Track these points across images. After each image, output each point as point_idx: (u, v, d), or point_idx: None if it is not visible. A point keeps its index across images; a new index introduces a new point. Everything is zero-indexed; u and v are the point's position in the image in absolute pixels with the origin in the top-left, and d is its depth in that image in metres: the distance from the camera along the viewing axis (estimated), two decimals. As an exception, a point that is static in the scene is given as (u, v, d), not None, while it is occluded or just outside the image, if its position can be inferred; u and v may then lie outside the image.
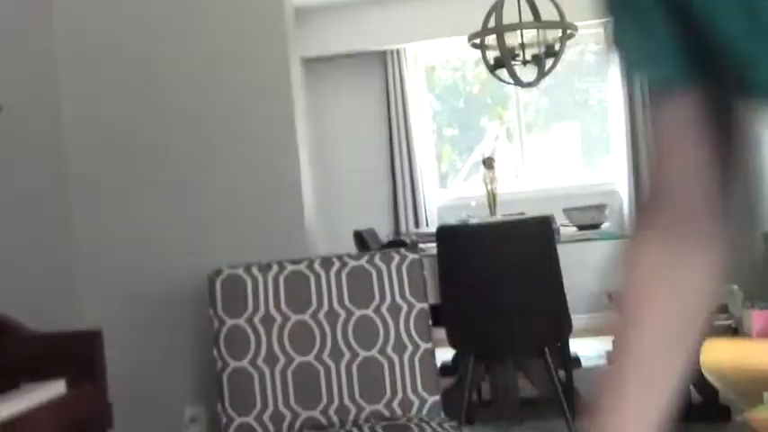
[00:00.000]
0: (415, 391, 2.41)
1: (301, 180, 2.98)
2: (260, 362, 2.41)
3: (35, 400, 1.94)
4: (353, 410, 2.39)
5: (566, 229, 4.15)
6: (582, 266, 3.25)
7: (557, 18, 4.36)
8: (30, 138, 2.80)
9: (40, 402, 1.96)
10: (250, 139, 2.98)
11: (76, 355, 2.24)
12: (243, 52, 2.98)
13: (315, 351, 2.43)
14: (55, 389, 2.06)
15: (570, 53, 6.50)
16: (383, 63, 6.50)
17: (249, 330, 2.43)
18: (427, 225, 6.34)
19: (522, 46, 4.51)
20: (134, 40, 3.01)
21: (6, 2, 2.72)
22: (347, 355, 2.43)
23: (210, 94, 3.00)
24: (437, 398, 2.42)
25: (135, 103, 3.02)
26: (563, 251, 3.17)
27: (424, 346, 2.46)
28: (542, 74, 4.56)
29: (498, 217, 4.38)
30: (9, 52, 2.71)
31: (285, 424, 2.37)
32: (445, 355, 4.97)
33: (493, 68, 4.53)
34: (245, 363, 2.41)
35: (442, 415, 2.42)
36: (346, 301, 2.48)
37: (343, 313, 2.46)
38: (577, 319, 3.35)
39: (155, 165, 3.01)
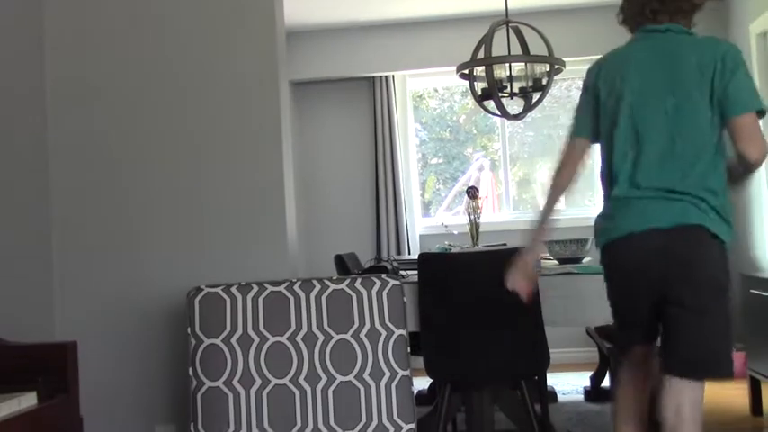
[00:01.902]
0: (390, 418, 2.40)
1: (285, 202, 2.98)
2: (235, 382, 2.39)
3: (5, 411, 1.92)
4: (328, 435, 2.37)
5: (546, 262, 4.16)
6: (561, 300, 3.25)
7: (545, 53, 4.41)
8: (13, 150, 2.78)
9: (11, 414, 1.94)
10: (236, 159, 2.98)
11: (50, 367, 2.22)
12: (233, 73, 2.99)
13: (291, 374, 2.41)
14: (27, 401, 2.04)
15: (557, 89, 6.57)
16: (371, 90, 6.53)
17: (226, 350, 2.42)
18: (409, 252, 6.35)
19: (510, 79, 4.55)
20: (124, 58, 3.01)
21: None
22: (324, 379, 2.41)
23: (199, 114, 3.00)
24: (413, 426, 2.41)
25: (122, 120, 3.01)
26: (543, 283, 3.17)
27: (401, 373, 2.45)
28: (529, 107, 4.60)
29: (480, 247, 4.39)
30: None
31: (258, 446, 2.35)
32: (421, 384, 4.96)
33: (480, 99, 4.57)
34: (219, 383, 2.39)
35: (417, 443, 2.40)
36: (325, 325, 2.47)
37: (321, 336, 2.45)
38: (555, 353, 3.35)
39: (139, 182, 3.00)
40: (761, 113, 2.25)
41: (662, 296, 2.27)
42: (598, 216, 2.48)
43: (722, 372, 2.24)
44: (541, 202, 2.67)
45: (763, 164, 2.24)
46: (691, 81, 2.25)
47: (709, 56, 2.25)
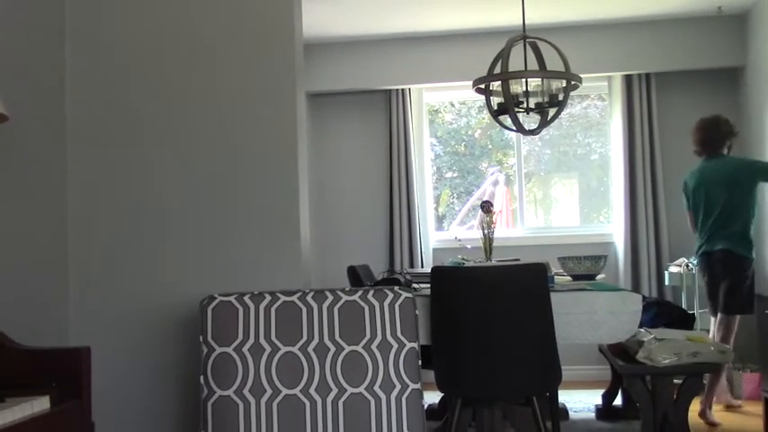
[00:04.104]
0: (400, 431, 2.39)
1: (300, 212, 2.99)
2: (246, 392, 2.39)
3: (19, 415, 1.93)
4: (337, 447, 2.37)
5: (560, 278, 4.15)
6: (573, 316, 3.24)
7: (562, 69, 4.41)
8: (30, 154, 2.81)
9: (24, 418, 1.94)
10: (251, 169, 3.00)
11: (63, 372, 2.23)
12: (251, 84, 3.01)
13: (302, 384, 2.41)
14: (39, 405, 2.05)
15: (574, 106, 6.56)
16: (387, 102, 6.55)
17: (237, 359, 2.42)
18: (422, 265, 6.34)
19: (527, 94, 4.55)
20: (143, 68, 3.04)
21: (19, 15, 2.75)
22: (334, 391, 2.41)
23: (215, 124, 3.02)
24: (422, 439, 2.40)
25: (139, 129, 3.03)
26: (556, 300, 3.17)
27: (412, 386, 2.44)
28: (545, 123, 4.60)
29: (493, 262, 4.39)
30: (19, 64, 2.74)
31: (267, 456, 2.35)
32: (432, 398, 4.94)
33: (496, 114, 4.57)
34: (230, 392, 2.39)
35: (426, 457, 2.39)
36: (337, 336, 2.47)
37: (332, 348, 2.45)
38: (567, 370, 3.33)
39: (155, 190, 3.02)
40: None
41: None
42: None
43: None
44: None
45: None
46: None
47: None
